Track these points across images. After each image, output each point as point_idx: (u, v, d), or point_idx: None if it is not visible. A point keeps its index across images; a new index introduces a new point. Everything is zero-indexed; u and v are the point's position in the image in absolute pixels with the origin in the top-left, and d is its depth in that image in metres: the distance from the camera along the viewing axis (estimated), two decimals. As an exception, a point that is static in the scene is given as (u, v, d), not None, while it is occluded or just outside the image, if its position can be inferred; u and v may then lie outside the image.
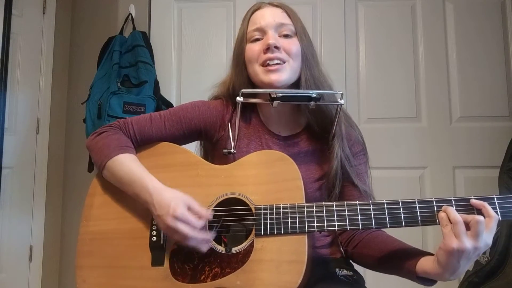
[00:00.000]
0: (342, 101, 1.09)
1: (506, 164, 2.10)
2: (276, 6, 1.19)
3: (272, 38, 1.11)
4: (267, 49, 1.11)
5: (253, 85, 1.17)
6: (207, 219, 1.01)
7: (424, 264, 0.96)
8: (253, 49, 1.14)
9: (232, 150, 1.15)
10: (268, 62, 1.11)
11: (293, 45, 1.14)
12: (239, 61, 1.18)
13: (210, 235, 1.01)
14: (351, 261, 1.20)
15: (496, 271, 1.93)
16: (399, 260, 1.02)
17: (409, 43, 2.44)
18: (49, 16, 2.90)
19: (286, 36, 1.14)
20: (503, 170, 2.11)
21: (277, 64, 1.11)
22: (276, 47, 1.11)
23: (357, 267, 1.22)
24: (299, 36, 1.16)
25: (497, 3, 2.41)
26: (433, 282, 0.98)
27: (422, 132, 2.39)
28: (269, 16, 1.15)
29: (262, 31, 1.14)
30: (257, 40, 1.15)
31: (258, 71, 1.13)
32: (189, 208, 1.00)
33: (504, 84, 2.36)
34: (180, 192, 1.02)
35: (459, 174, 2.34)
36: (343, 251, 1.21)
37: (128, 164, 1.08)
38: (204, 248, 1.00)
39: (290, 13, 1.17)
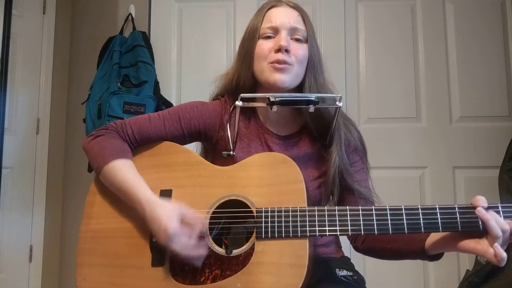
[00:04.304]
0: (340, 104, 1.08)
1: (506, 164, 2.10)
2: (293, 8, 1.18)
3: (285, 40, 1.11)
4: (278, 50, 1.11)
5: (256, 82, 1.18)
6: (202, 226, 1.01)
7: (433, 238, 0.99)
8: (263, 46, 1.14)
9: (231, 153, 1.15)
10: (276, 62, 1.11)
11: (302, 50, 1.14)
12: (247, 54, 1.17)
13: (204, 251, 1.01)
14: (364, 255, 1.20)
15: (496, 271, 1.93)
16: (407, 243, 1.04)
17: (409, 43, 2.44)
18: (49, 16, 2.90)
19: (297, 40, 1.14)
20: (503, 170, 2.11)
21: (284, 64, 1.11)
22: (287, 50, 1.11)
23: (357, 267, 1.23)
24: (309, 42, 1.16)
25: (497, 3, 2.41)
26: (439, 256, 1.02)
27: (422, 132, 2.39)
28: (285, 17, 1.15)
29: (276, 30, 1.14)
30: (269, 37, 1.15)
31: (265, 68, 1.13)
32: (183, 218, 0.99)
33: (504, 84, 2.36)
34: (172, 204, 1.02)
35: (459, 174, 2.34)
36: (353, 247, 1.21)
37: (122, 172, 1.07)
38: (198, 263, 1.01)
39: (305, 18, 1.17)
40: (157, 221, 0.99)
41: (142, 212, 1.02)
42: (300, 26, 1.15)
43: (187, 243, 0.98)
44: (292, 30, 1.14)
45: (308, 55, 1.15)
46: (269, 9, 1.18)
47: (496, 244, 0.88)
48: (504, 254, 0.88)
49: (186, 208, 1.02)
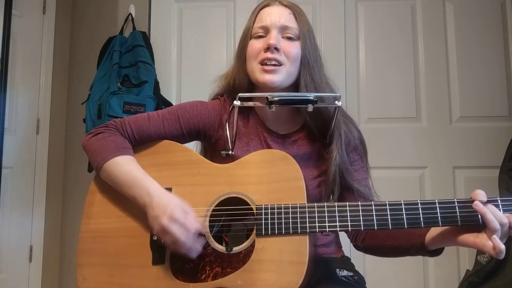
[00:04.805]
0: (339, 103, 1.07)
1: (506, 164, 2.10)
2: (286, 6, 1.17)
3: (274, 38, 1.11)
4: (267, 48, 1.11)
5: (251, 81, 1.18)
6: (200, 229, 1.01)
7: (433, 233, 1.00)
8: (254, 46, 1.15)
9: (230, 152, 1.15)
10: (266, 61, 1.11)
11: (293, 48, 1.13)
12: (241, 55, 1.18)
13: (200, 245, 1.01)
14: (365, 253, 1.20)
15: (496, 271, 1.93)
16: (406, 239, 1.05)
17: (409, 43, 2.44)
18: (49, 16, 2.90)
19: (289, 38, 1.14)
20: (503, 170, 2.11)
21: (274, 65, 1.11)
22: (276, 49, 1.11)
23: (357, 267, 1.22)
24: (302, 40, 1.14)
25: (497, 3, 2.41)
26: (439, 251, 1.03)
27: (422, 132, 2.39)
28: (275, 16, 1.14)
29: (266, 29, 1.14)
30: (260, 37, 1.15)
31: (255, 69, 1.13)
32: (186, 214, 1.00)
33: (504, 84, 2.36)
34: (179, 199, 1.03)
35: (459, 174, 2.35)
36: (353, 245, 1.21)
37: (127, 166, 1.07)
38: (193, 255, 1.01)
39: (297, 16, 1.16)
40: (163, 207, 0.99)
41: (147, 200, 1.02)
42: (292, 24, 1.15)
43: (188, 230, 0.97)
44: (283, 29, 1.14)
45: (301, 53, 1.14)
46: (261, 8, 1.18)
47: (494, 236, 0.88)
48: (503, 246, 0.88)
49: (190, 208, 1.02)
